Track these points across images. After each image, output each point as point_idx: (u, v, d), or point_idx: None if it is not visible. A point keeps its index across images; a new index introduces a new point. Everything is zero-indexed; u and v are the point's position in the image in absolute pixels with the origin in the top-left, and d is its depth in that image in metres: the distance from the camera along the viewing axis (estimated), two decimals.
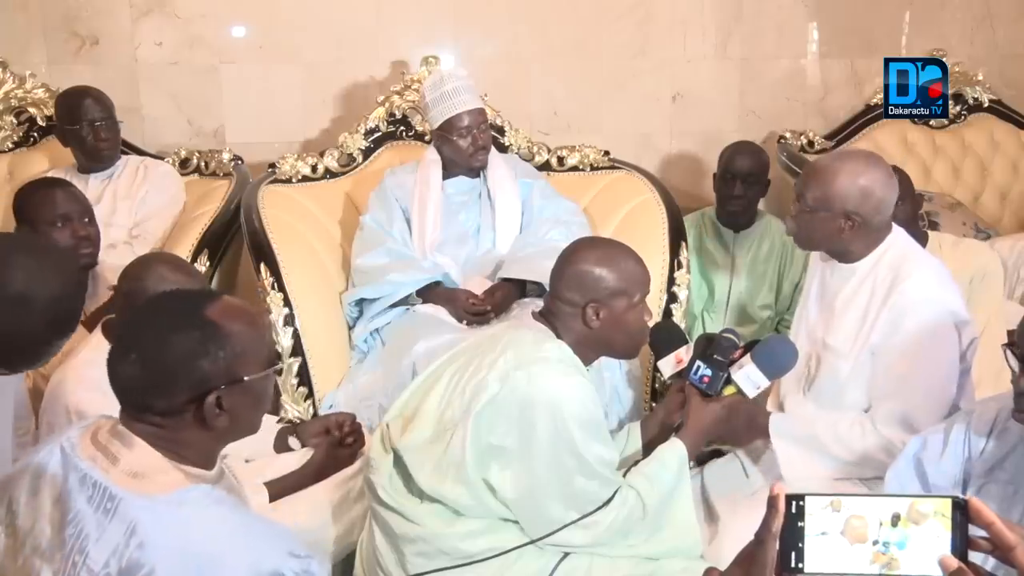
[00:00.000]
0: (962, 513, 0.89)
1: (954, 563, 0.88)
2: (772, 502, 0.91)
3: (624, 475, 1.73)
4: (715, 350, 1.83)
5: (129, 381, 1.19)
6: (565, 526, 1.63)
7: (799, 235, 1.94)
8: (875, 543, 0.89)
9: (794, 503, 0.91)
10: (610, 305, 1.72)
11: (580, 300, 1.72)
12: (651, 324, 1.83)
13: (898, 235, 1.93)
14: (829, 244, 1.92)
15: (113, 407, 1.25)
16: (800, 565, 0.90)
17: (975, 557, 0.92)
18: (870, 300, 1.88)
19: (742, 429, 1.95)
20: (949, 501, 0.89)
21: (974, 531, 0.90)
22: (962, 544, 0.89)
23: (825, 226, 1.87)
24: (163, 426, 1.20)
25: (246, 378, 1.22)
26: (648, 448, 1.87)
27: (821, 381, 1.96)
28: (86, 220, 2.32)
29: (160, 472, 1.17)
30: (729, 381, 1.82)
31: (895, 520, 0.89)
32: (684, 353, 1.93)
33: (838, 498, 0.91)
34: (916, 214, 2.60)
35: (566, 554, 1.67)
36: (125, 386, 1.20)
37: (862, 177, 1.84)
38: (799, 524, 0.91)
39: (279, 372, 1.28)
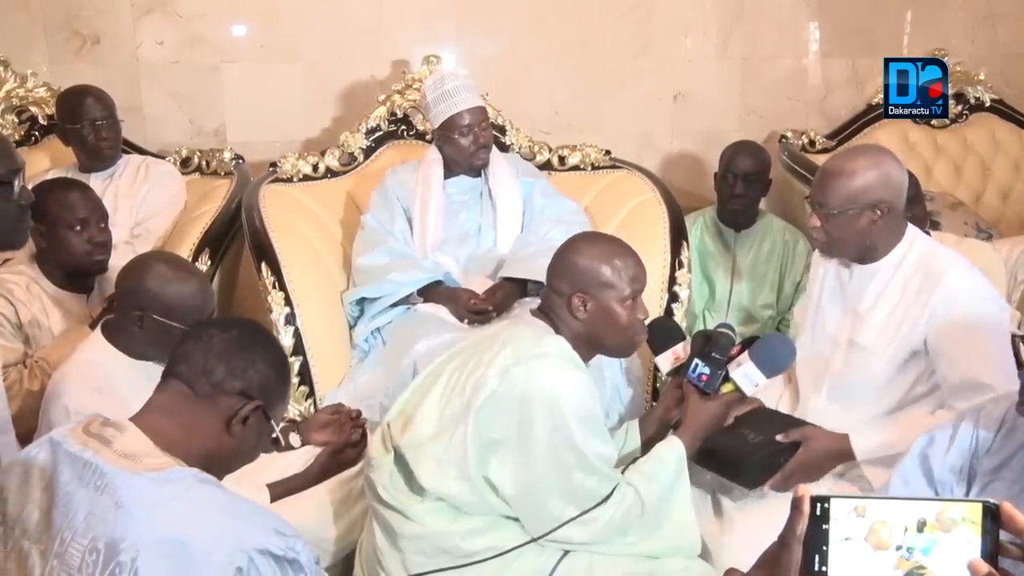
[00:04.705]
0: (993, 518, 0.87)
1: (984, 567, 0.85)
2: (797, 504, 0.89)
3: (622, 472, 1.73)
4: (713, 348, 1.83)
5: (218, 343, 1.30)
6: (565, 523, 1.63)
7: (830, 242, 1.93)
8: (899, 548, 0.88)
9: (819, 505, 0.89)
10: (598, 297, 1.72)
11: (568, 290, 1.73)
12: (646, 322, 1.82)
13: (916, 232, 1.95)
14: (862, 242, 1.91)
15: (112, 407, 1.25)
16: (824, 568, 0.88)
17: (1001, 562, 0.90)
18: (903, 297, 1.88)
19: (824, 457, 1.86)
20: (979, 506, 0.87)
21: (1004, 536, 0.88)
22: (992, 549, 0.87)
23: (856, 223, 1.88)
24: (197, 396, 1.28)
25: (271, 416, 1.34)
26: (647, 446, 1.87)
27: (851, 380, 1.95)
28: (102, 225, 2.32)
29: (150, 455, 1.20)
30: (727, 379, 1.82)
31: (921, 526, 0.87)
32: (681, 349, 1.92)
33: (862, 503, 0.89)
34: (926, 214, 2.60)
35: (566, 552, 1.67)
36: (211, 345, 1.30)
37: (876, 167, 1.86)
38: (823, 527, 0.89)
39: (276, 441, 1.40)
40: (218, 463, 1.29)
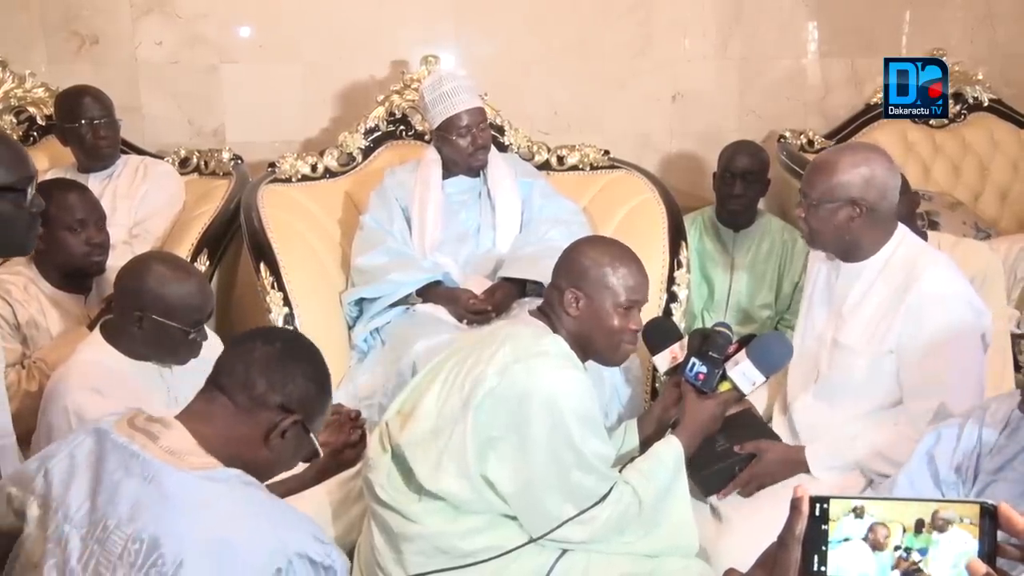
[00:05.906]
0: (991, 519, 0.87)
1: (982, 568, 0.85)
2: (796, 504, 0.89)
3: (620, 471, 1.73)
4: (710, 347, 1.83)
5: (260, 356, 1.32)
6: (564, 523, 1.63)
7: (811, 233, 1.94)
8: (897, 548, 0.88)
9: (818, 506, 0.89)
10: (592, 296, 1.72)
11: (565, 284, 1.74)
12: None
13: (905, 233, 1.95)
14: (840, 237, 1.91)
15: (112, 408, 1.26)
16: (823, 569, 0.88)
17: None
18: (885, 297, 1.88)
19: (777, 468, 1.91)
20: (977, 507, 0.87)
21: (1002, 536, 0.87)
22: (990, 550, 0.87)
23: (834, 218, 1.88)
24: (237, 408, 1.29)
25: (311, 431, 1.36)
26: (645, 445, 1.87)
27: (835, 380, 1.96)
28: (100, 226, 2.31)
29: (194, 454, 1.23)
30: (724, 377, 1.82)
31: (919, 526, 0.87)
32: (678, 348, 1.93)
33: (861, 504, 0.89)
34: (913, 211, 2.60)
35: (564, 551, 1.67)
36: (253, 358, 1.32)
37: (862, 165, 1.86)
38: (822, 527, 0.89)
39: (316, 454, 1.44)
40: (257, 471, 1.31)
